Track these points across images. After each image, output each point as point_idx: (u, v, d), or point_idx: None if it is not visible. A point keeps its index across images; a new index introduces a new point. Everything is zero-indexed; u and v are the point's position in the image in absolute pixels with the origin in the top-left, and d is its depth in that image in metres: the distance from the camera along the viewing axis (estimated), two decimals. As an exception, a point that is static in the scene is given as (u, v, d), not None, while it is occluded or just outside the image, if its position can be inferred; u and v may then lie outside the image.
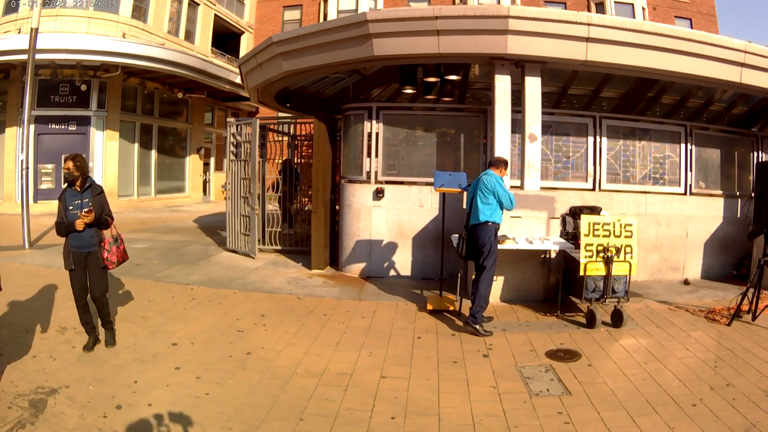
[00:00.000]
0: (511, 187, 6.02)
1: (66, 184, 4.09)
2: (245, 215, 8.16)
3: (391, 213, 6.73)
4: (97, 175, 13.48)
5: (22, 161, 8.92)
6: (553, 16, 5.46)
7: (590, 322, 4.81)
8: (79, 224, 3.87)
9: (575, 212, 5.32)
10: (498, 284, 5.67)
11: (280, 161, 9.17)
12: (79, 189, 4.02)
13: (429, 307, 5.32)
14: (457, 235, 5.35)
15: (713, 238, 6.90)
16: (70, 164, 3.96)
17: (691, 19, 19.38)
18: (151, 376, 3.58)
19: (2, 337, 4.19)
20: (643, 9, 18.77)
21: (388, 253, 6.77)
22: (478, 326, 4.55)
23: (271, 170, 8.93)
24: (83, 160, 4.07)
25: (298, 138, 9.35)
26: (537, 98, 5.94)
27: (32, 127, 11.91)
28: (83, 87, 13.44)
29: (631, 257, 4.84)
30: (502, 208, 4.78)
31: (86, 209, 3.89)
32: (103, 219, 4.05)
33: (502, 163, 5.00)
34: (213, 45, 18.48)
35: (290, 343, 4.34)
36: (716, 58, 5.84)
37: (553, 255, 5.64)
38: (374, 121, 6.81)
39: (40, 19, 8.71)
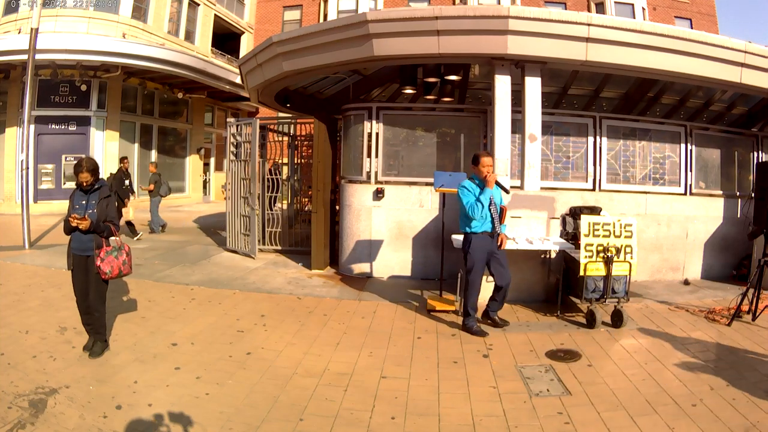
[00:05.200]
0: (512, 187, 6.02)
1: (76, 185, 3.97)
2: (245, 215, 8.17)
3: (391, 213, 6.73)
4: (97, 175, 13.48)
5: (22, 161, 8.92)
6: (553, 17, 5.46)
7: (590, 322, 4.81)
8: (72, 221, 3.73)
9: (575, 212, 5.32)
10: (498, 284, 5.67)
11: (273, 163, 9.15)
12: (86, 190, 3.89)
13: (429, 307, 5.32)
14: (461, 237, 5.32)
15: (713, 238, 6.90)
16: (89, 177, 3.82)
17: (691, 20, 19.38)
18: (151, 377, 3.58)
19: (2, 336, 4.19)
20: (643, 9, 18.77)
21: (388, 254, 6.77)
22: (470, 326, 4.66)
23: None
24: (94, 163, 3.94)
25: (298, 138, 9.34)
26: (537, 98, 5.94)
27: (32, 127, 11.90)
28: (83, 87, 13.45)
29: (631, 257, 4.84)
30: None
31: (80, 217, 3.73)
32: (102, 226, 3.85)
33: (475, 159, 4.65)
34: (213, 45, 18.48)
35: (290, 343, 4.34)
36: (716, 58, 5.84)
37: (553, 255, 5.64)
38: (374, 121, 6.81)
39: (40, 19, 8.71)
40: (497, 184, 4.70)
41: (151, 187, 10.42)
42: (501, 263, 4.68)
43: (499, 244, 4.66)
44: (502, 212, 4.72)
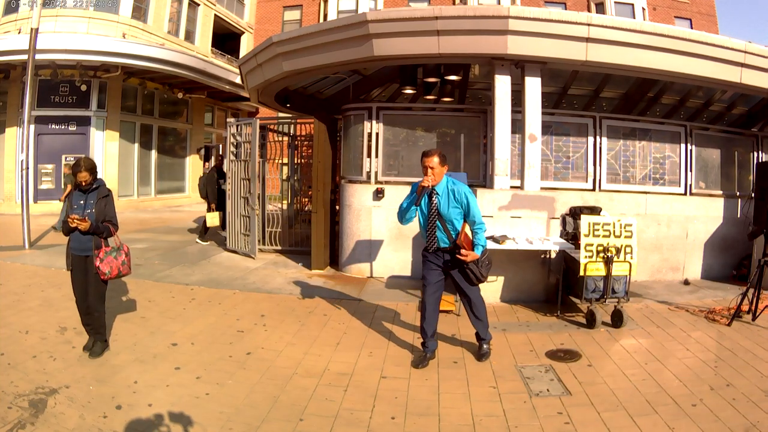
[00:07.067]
0: (512, 187, 6.03)
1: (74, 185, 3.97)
2: (245, 215, 8.17)
3: (391, 213, 6.71)
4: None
5: (22, 161, 8.92)
6: (553, 17, 5.46)
7: (590, 322, 4.80)
8: (69, 221, 3.72)
9: (575, 212, 5.32)
10: (498, 284, 5.67)
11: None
12: (85, 190, 3.89)
13: (429, 307, 5.31)
14: None
15: (713, 238, 6.90)
16: (87, 176, 3.81)
17: (691, 20, 19.39)
18: (151, 377, 3.58)
19: (2, 336, 4.19)
20: (643, 9, 18.78)
21: (388, 254, 6.77)
22: (423, 347, 4.06)
23: (272, 170, 8.92)
24: (92, 162, 3.93)
25: (298, 138, 9.34)
26: (537, 98, 5.94)
27: (32, 127, 11.92)
28: (83, 87, 13.45)
29: (631, 257, 4.84)
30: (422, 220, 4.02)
31: (80, 218, 3.72)
32: (102, 227, 3.85)
33: None
34: (213, 45, 18.48)
35: (290, 343, 4.34)
36: (716, 58, 5.84)
37: (553, 255, 5.64)
38: (374, 122, 6.81)
39: (40, 19, 8.71)
40: (452, 193, 3.84)
41: (69, 188, 10.28)
42: (457, 279, 3.96)
43: (456, 256, 3.79)
44: (457, 236, 3.80)
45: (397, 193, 6.71)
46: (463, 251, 3.78)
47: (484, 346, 4.09)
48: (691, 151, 6.97)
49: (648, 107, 8.63)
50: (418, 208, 3.92)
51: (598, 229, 4.83)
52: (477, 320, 4.07)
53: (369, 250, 6.81)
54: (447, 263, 3.93)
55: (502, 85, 5.94)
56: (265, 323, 4.85)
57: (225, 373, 3.68)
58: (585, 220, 4.85)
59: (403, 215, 3.97)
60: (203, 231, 9.39)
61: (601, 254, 4.81)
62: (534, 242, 5.37)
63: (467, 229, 3.83)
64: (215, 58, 17.82)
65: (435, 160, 3.81)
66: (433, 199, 3.88)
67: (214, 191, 9.21)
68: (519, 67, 5.91)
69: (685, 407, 3.20)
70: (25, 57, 8.86)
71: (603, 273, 4.84)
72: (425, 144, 6.99)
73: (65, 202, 10.09)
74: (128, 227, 10.59)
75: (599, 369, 3.87)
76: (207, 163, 9.27)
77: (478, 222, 3.85)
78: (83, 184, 3.85)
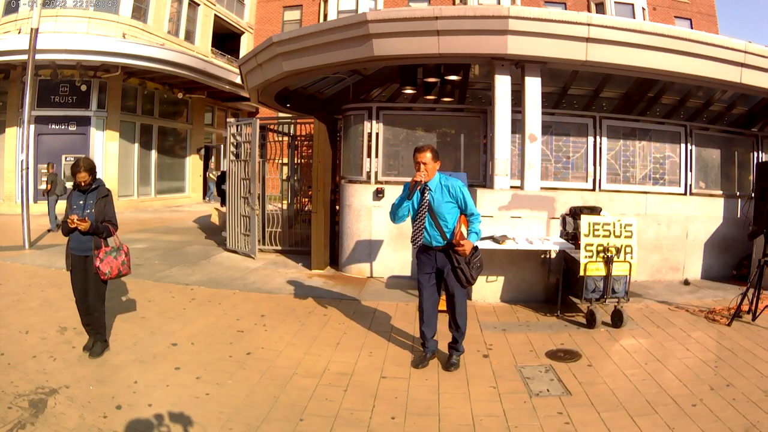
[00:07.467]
0: (512, 187, 6.03)
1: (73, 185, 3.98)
2: (245, 215, 8.17)
3: (391, 213, 6.72)
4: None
5: (22, 161, 8.93)
6: (553, 17, 5.46)
7: (590, 322, 4.80)
8: (69, 221, 3.71)
9: (575, 212, 5.31)
10: (498, 284, 5.67)
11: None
12: (84, 190, 3.89)
13: (429, 307, 5.30)
14: None
15: (713, 238, 6.90)
16: (86, 176, 3.81)
17: (691, 20, 19.39)
18: (151, 377, 3.58)
19: (2, 336, 4.19)
20: (643, 9, 18.79)
21: (388, 254, 6.77)
22: (422, 347, 4.03)
23: (273, 171, 8.93)
24: (92, 162, 3.93)
25: (298, 138, 9.35)
26: (537, 98, 5.94)
27: (32, 127, 11.92)
28: (83, 87, 13.47)
29: (631, 257, 4.84)
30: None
31: (80, 218, 3.71)
32: (102, 227, 3.84)
33: None
34: (213, 45, 18.50)
35: (290, 343, 4.34)
36: (716, 58, 5.84)
37: (553, 255, 5.64)
38: (374, 122, 6.81)
39: (40, 19, 8.72)
40: (445, 189, 3.80)
41: (49, 187, 10.46)
42: (447, 280, 3.81)
43: (455, 249, 3.66)
44: (452, 235, 3.72)
45: (397, 193, 6.61)
46: (461, 242, 3.68)
47: (455, 356, 3.89)
48: (691, 151, 6.97)
49: (648, 107, 8.63)
50: (410, 203, 3.82)
51: (598, 229, 4.83)
52: (456, 328, 3.89)
53: (369, 250, 6.81)
54: (440, 262, 3.82)
55: (502, 85, 5.94)
56: (265, 323, 4.85)
57: (225, 373, 3.68)
58: (585, 220, 4.85)
59: (395, 213, 3.87)
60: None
61: (601, 254, 4.81)
62: (534, 242, 5.37)
63: (462, 228, 3.78)
64: (215, 58, 17.83)
65: (428, 155, 3.75)
66: (425, 194, 3.80)
67: (221, 191, 9.38)
68: (519, 67, 5.91)
69: (685, 407, 3.20)
70: (25, 57, 8.86)
71: (603, 273, 4.84)
72: (425, 144, 6.97)
73: (47, 198, 10.24)
74: (128, 227, 10.60)
75: (599, 369, 3.87)
76: (212, 163, 9.56)
77: (475, 213, 3.82)
78: (82, 184, 3.85)
